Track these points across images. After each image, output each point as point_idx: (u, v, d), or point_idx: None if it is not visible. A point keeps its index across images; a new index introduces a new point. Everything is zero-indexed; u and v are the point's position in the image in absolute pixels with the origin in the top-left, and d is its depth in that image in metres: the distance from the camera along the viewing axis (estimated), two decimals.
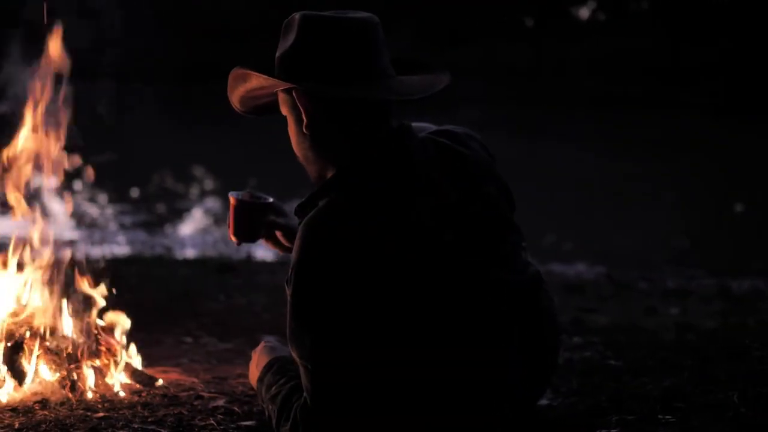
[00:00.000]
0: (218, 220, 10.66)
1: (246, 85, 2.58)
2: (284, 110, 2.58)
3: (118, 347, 3.42)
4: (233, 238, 2.90)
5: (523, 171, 13.11)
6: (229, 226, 2.89)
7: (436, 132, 2.62)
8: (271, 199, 2.97)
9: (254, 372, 2.85)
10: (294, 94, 2.49)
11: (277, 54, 2.55)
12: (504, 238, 2.55)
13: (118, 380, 3.30)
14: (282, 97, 2.57)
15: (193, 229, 10.19)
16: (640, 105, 25.56)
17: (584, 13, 35.85)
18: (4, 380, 3.19)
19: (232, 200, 2.87)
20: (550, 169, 15.61)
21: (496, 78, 27.71)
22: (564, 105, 25.86)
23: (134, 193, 12.31)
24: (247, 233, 2.87)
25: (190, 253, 8.38)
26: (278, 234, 2.92)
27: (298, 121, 2.52)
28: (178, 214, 11.05)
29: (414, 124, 2.61)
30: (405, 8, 29.32)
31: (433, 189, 2.46)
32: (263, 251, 8.61)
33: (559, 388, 3.28)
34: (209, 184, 13.84)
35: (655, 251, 8.60)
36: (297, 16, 2.51)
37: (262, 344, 2.96)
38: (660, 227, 10.30)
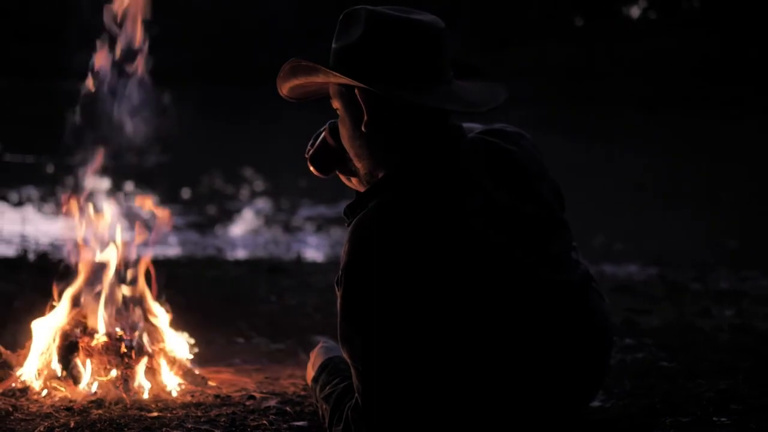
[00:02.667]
0: (268, 221, 10.71)
1: (308, 78, 2.53)
2: (337, 104, 2.55)
3: (171, 347, 3.45)
4: (309, 164, 2.75)
5: (573, 171, 13.05)
6: (310, 148, 2.74)
7: (486, 131, 2.60)
8: None
9: (310, 372, 2.87)
10: (356, 91, 2.47)
11: (336, 46, 2.51)
12: (554, 237, 2.53)
13: (171, 380, 3.32)
14: (337, 91, 2.53)
15: (244, 230, 10.24)
16: (690, 105, 25.34)
17: (634, 12, 35.60)
18: (61, 380, 3.23)
19: (325, 133, 2.71)
20: (601, 169, 15.53)
21: (545, 78, 27.61)
22: (614, 105, 25.70)
23: (185, 194, 12.40)
24: (323, 166, 2.71)
25: (241, 254, 8.42)
26: (354, 181, 2.72)
27: (355, 117, 2.50)
28: (228, 215, 11.11)
29: (465, 124, 2.59)
30: (456, 9, 29.30)
31: (483, 190, 2.45)
32: (314, 252, 8.65)
33: (611, 390, 3.26)
34: (259, 185, 13.91)
35: (708, 252, 8.51)
36: (362, 10, 2.47)
37: (319, 344, 2.97)
38: (712, 228, 10.19)
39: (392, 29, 2.44)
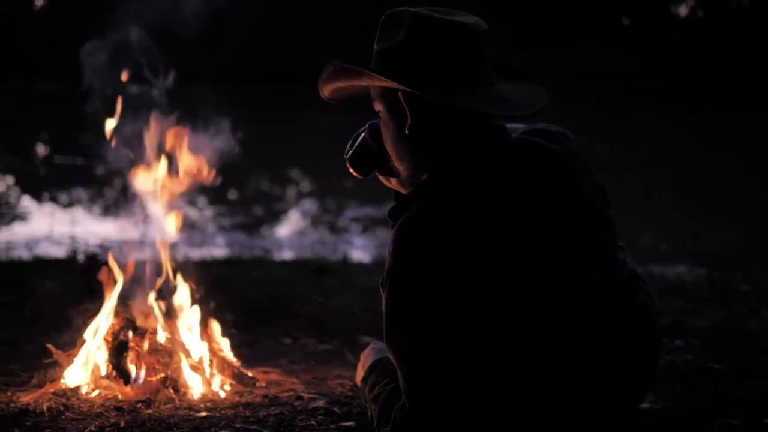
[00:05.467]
0: (315, 222, 10.75)
1: (351, 81, 2.54)
2: (380, 106, 2.55)
3: (219, 348, 3.47)
4: (349, 165, 2.75)
5: (617, 171, 12.98)
6: (349, 149, 2.75)
7: (530, 131, 2.59)
8: None
9: (360, 372, 2.87)
10: (400, 95, 2.47)
11: (378, 48, 2.51)
12: (598, 238, 2.51)
13: (219, 380, 3.35)
14: (380, 93, 2.53)
15: (290, 231, 10.28)
16: (736, 103, 25.10)
17: (680, 11, 35.29)
18: (111, 379, 3.26)
19: (365, 134, 2.71)
20: (646, 168, 15.42)
21: (586, 78, 27.48)
22: (658, 104, 25.51)
23: (232, 195, 12.47)
24: (363, 167, 2.73)
25: (287, 254, 8.45)
26: (394, 181, 2.73)
27: (399, 120, 2.50)
28: (275, 216, 11.16)
29: (508, 124, 2.59)
30: (494, 9, 29.24)
31: (524, 191, 2.44)
32: (360, 252, 8.67)
33: (660, 392, 3.23)
34: (305, 186, 13.95)
35: (757, 252, 8.41)
36: (405, 12, 2.46)
37: (370, 346, 2.98)
38: (761, 227, 10.08)
39: (436, 32, 2.43)
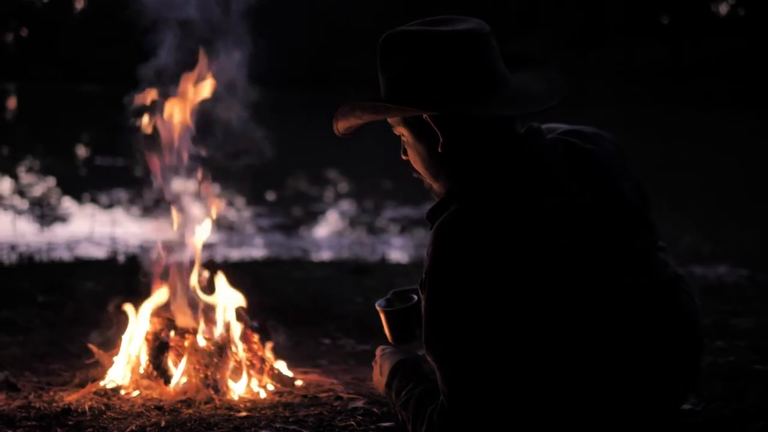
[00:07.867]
0: (353, 222, 10.76)
1: (374, 116, 2.54)
2: (403, 130, 2.55)
3: (259, 348, 3.48)
4: (394, 344, 2.95)
5: (660, 170, 12.89)
6: (386, 333, 2.94)
7: (565, 132, 2.57)
8: (415, 297, 2.98)
9: (380, 379, 2.87)
10: (425, 117, 2.46)
11: (387, 76, 2.51)
12: (638, 238, 2.49)
13: (259, 381, 3.35)
14: (401, 119, 2.53)
15: (329, 232, 10.30)
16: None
17: (723, 9, 35.01)
18: (151, 379, 3.28)
19: (380, 312, 2.93)
20: (689, 168, 15.31)
21: (631, 77, 27.35)
22: (701, 103, 25.33)
23: (270, 196, 12.51)
24: (404, 336, 2.92)
25: (326, 255, 8.47)
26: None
27: (429, 141, 2.49)
28: (313, 217, 11.18)
29: (545, 126, 2.58)
30: (540, 10, 29.16)
31: (562, 191, 2.42)
32: (398, 253, 8.66)
33: (702, 393, 3.20)
34: (343, 187, 13.98)
35: None
36: (402, 35, 2.46)
37: (378, 352, 2.98)
38: None
39: (440, 48, 2.42)
